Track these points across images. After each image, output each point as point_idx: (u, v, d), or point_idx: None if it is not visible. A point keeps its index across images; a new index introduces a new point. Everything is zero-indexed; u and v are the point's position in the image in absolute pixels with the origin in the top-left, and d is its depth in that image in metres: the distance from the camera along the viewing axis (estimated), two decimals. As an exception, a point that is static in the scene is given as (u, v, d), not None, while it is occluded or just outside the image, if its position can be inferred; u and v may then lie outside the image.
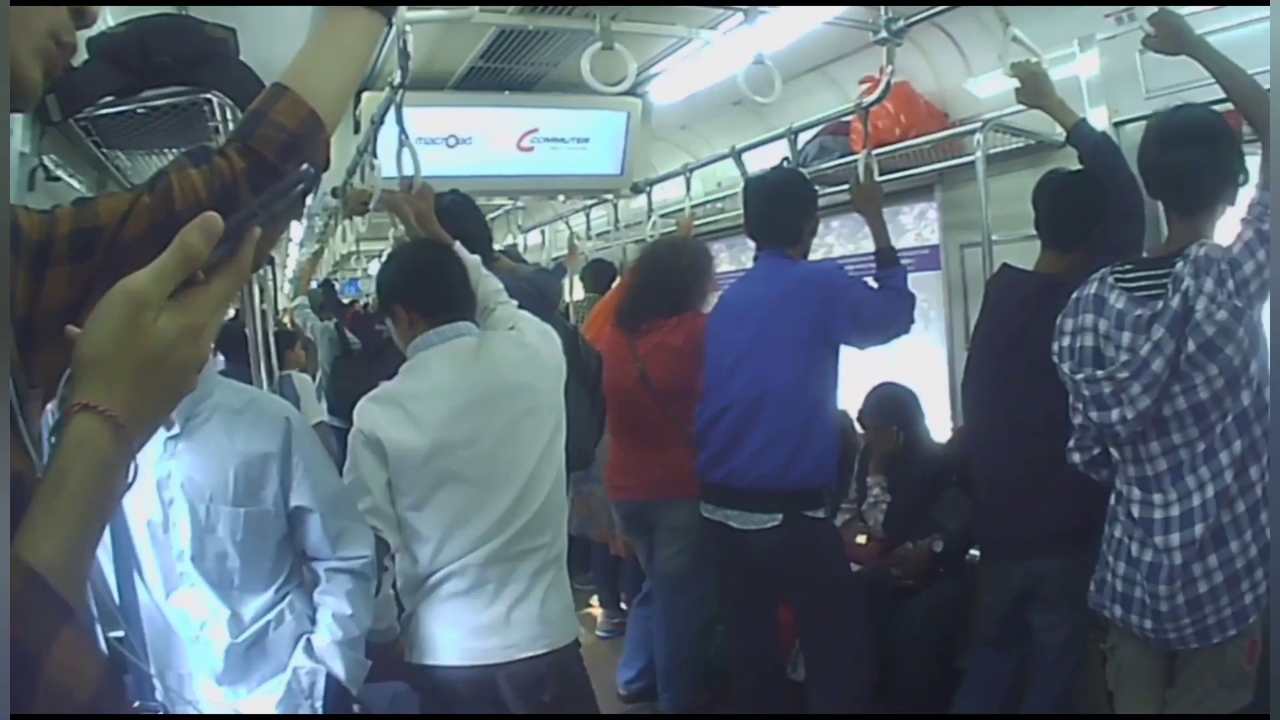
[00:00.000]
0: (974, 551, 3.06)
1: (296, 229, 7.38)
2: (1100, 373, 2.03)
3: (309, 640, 2.00)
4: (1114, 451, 2.11)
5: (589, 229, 5.92)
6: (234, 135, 1.05)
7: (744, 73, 2.78)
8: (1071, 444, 2.20)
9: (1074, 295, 2.15)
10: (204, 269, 0.70)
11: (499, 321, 2.23)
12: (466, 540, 2.07)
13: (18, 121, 1.86)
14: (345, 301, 8.01)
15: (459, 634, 2.10)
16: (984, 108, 3.13)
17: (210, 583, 1.92)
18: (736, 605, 3.01)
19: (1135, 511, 2.04)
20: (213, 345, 0.74)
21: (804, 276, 2.77)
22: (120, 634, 1.73)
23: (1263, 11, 2.20)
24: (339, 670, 1.98)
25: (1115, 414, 2.01)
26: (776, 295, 2.73)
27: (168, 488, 1.88)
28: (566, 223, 6.08)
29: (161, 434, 1.86)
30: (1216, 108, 2.14)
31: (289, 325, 6.70)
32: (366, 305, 7.47)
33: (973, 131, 2.98)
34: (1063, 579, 2.38)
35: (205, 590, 1.92)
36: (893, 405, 3.46)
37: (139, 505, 1.85)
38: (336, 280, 8.74)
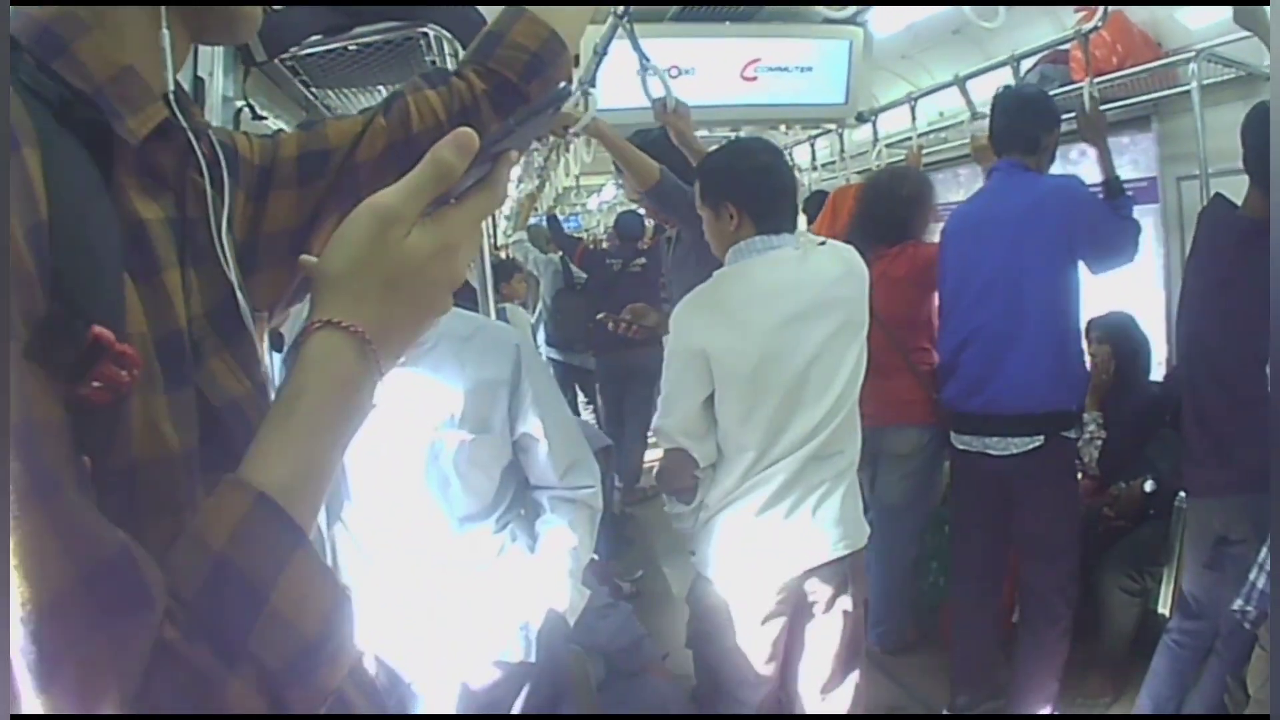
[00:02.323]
0: (1184, 494, 3.08)
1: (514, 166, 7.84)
2: None
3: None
4: None
5: (814, 159, 6.19)
6: (470, 58, 1.09)
7: (969, -4, 3.04)
8: None
9: None
10: (455, 194, 0.70)
11: (810, 236, 2.36)
12: (780, 450, 2.19)
13: (218, 65, 1.89)
14: (573, 235, 8.55)
15: (768, 544, 2.22)
16: (1194, 38, 3.19)
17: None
18: (972, 543, 3.17)
19: None
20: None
21: (1048, 189, 2.91)
22: None
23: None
24: (561, 600, 2.07)
25: None
26: (1022, 211, 2.86)
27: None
28: (790, 153, 6.25)
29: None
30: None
31: (505, 258, 7.10)
32: (597, 241, 8.08)
33: (1188, 61, 3.07)
34: (1257, 518, 2.40)
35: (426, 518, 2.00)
36: (1114, 335, 3.53)
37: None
38: (558, 215, 9.39)
